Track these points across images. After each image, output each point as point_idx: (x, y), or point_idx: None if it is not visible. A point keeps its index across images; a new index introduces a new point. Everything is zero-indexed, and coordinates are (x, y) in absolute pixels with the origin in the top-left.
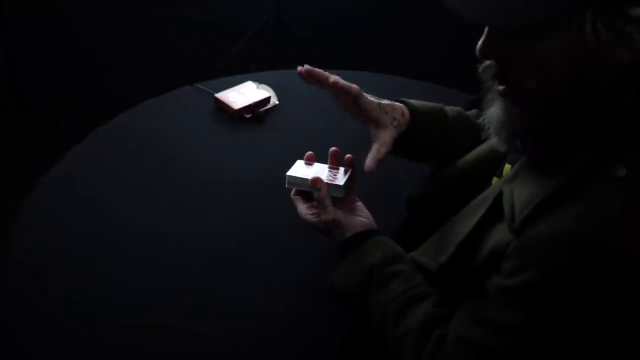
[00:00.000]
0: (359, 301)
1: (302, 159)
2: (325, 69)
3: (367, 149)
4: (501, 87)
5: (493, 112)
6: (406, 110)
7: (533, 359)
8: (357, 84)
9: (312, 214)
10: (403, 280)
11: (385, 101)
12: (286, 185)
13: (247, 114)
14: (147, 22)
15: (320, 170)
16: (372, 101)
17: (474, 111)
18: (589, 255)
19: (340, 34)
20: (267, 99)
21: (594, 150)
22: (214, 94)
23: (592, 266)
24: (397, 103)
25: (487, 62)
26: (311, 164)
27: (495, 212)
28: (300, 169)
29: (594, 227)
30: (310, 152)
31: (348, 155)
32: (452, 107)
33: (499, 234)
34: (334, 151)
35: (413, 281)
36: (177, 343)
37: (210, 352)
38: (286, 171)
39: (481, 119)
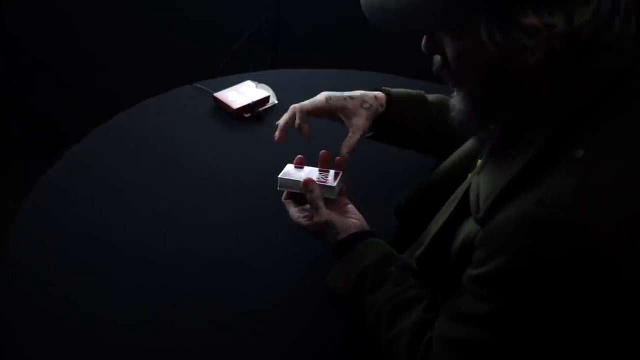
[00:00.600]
0: (353, 302)
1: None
2: (324, 68)
3: (362, 152)
4: (447, 78)
5: (453, 101)
6: (381, 95)
7: (513, 347)
8: (356, 88)
9: (304, 217)
10: (395, 282)
11: (356, 92)
12: (278, 188)
13: (246, 113)
14: (145, 22)
15: (311, 173)
16: (321, 100)
17: None
18: (552, 236)
19: (340, 34)
20: (266, 99)
21: (547, 134)
22: (213, 93)
23: (555, 247)
24: (373, 91)
25: (436, 57)
26: (301, 167)
27: (465, 206)
28: (291, 172)
29: (552, 206)
30: (299, 156)
31: (338, 157)
32: (436, 95)
33: (469, 227)
34: (324, 154)
35: (405, 283)
36: (176, 342)
37: (209, 351)
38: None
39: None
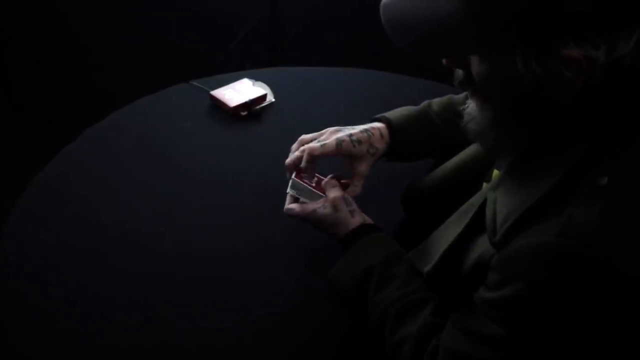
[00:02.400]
0: (356, 298)
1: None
2: (321, 66)
3: None
4: (468, 93)
5: (469, 110)
6: (384, 129)
7: None
8: (353, 86)
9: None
10: (402, 283)
11: (358, 128)
12: (289, 187)
13: (243, 111)
14: (141, 20)
15: (319, 181)
16: (331, 146)
17: (463, 95)
18: (570, 266)
19: (336, 31)
20: (264, 97)
21: (572, 161)
22: (209, 91)
23: (572, 278)
24: (374, 124)
25: (457, 71)
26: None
27: (480, 221)
28: (303, 177)
29: (574, 238)
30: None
31: (344, 181)
32: (440, 100)
33: (484, 245)
34: (335, 178)
35: (412, 285)
36: (174, 342)
37: (207, 351)
38: (282, 169)
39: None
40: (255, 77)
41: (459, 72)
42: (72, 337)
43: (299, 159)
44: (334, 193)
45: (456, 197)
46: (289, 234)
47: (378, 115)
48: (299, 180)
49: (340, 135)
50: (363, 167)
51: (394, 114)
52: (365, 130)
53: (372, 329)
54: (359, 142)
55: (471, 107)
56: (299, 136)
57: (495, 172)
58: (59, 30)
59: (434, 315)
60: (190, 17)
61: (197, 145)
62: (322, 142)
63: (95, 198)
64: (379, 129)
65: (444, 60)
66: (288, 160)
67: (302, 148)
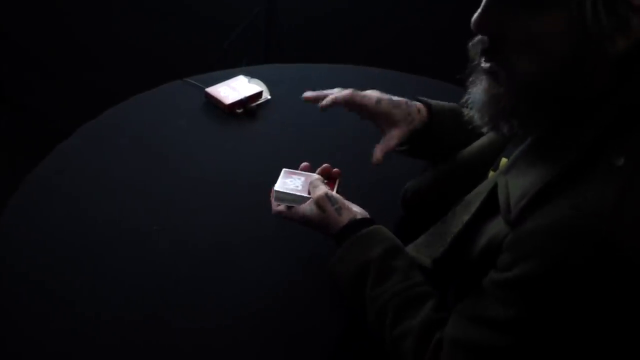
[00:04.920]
0: (354, 291)
1: (294, 155)
2: (318, 62)
3: (360, 146)
4: (487, 65)
5: (477, 91)
6: (423, 108)
7: (528, 355)
8: (350, 83)
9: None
10: (402, 277)
11: (402, 101)
12: (274, 201)
13: (239, 109)
14: (136, 16)
15: (307, 180)
16: (371, 99)
17: None
18: (586, 244)
19: (334, 27)
20: (259, 94)
21: (589, 139)
22: (204, 88)
23: (588, 256)
24: (414, 101)
25: (479, 37)
26: (298, 174)
27: (490, 206)
28: (287, 183)
29: (591, 216)
30: (306, 164)
31: (335, 169)
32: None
33: (495, 228)
34: (326, 167)
35: (412, 279)
36: (169, 342)
37: (203, 350)
38: (278, 167)
39: (465, 97)
40: (251, 74)
41: (484, 39)
42: (66, 337)
43: (344, 98)
44: (317, 193)
45: (456, 193)
46: (285, 232)
47: (419, 97)
48: (281, 191)
49: (381, 95)
50: (395, 132)
51: (434, 100)
52: (407, 101)
53: (370, 324)
54: (399, 105)
55: (477, 89)
56: (295, 133)
57: (504, 160)
58: (52, 27)
59: (436, 310)
60: (185, 13)
61: (192, 143)
62: (364, 94)
63: (89, 196)
64: (418, 107)
65: (476, 24)
66: (334, 92)
67: (349, 91)
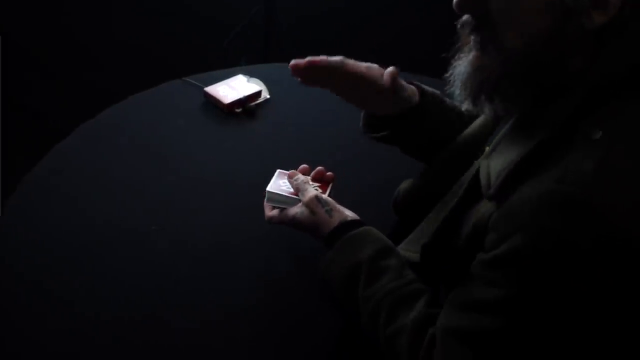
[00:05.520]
0: (346, 293)
1: (293, 154)
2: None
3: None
4: (478, 38)
5: (461, 64)
6: (415, 90)
7: (523, 335)
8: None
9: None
10: (394, 276)
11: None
12: (265, 202)
13: (238, 108)
14: (135, 15)
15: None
16: (362, 64)
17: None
18: (570, 212)
19: (333, 26)
20: (258, 93)
21: (566, 113)
22: (203, 87)
23: (573, 225)
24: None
25: (465, 17)
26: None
27: (475, 191)
28: (280, 184)
29: (572, 186)
30: (304, 166)
31: (329, 173)
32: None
33: (481, 211)
34: (320, 170)
35: (404, 277)
36: (168, 341)
37: (201, 350)
38: (277, 166)
39: (448, 74)
40: (250, 73)
41: (469, 19)
42: (65, 337)
43: (333, 64)
44: (307, 195)
45: (446, 191)
46: (284, 231)
47: (411, 80)
48: (273, 192)
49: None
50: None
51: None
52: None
53: (364, 325)
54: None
55: (461, 65)
56: (294, 133)
57: (487, 149)
58: (51, 26)
59: (429, 306)
60: (184, 12)
61: (191, 143)
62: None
63: (88, 196)
64: (410, 87)
65: (457, 2)
66: (322, 57)
67: (341, 58)
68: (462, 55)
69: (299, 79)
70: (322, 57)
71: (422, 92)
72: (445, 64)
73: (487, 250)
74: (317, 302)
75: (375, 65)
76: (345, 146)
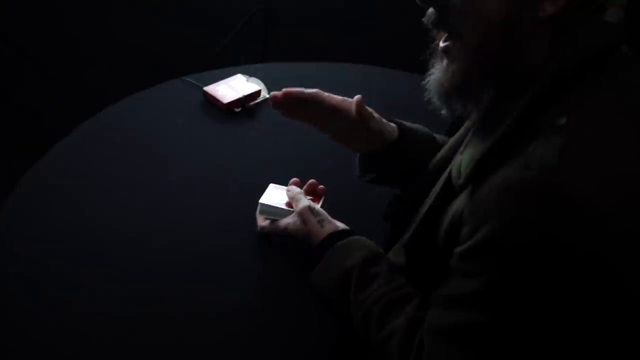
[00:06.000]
0: (339, 300)
1: (292, 154)
2: (316, 61)
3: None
4: (444, 45)
5: (434, 72)
6: (394, 126)
7: (505, 326)
8: (348, 80)
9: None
10: (384, 282)
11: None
12: (258, 213)
13: (237, 107)
14: (134, 13)
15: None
16: (338, 98)
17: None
18: (538, 197)
19: (332, 26)
20: (257, 93)
21: (526, 102)
22: (202, 87)
23: (541, 208)
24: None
25: (430, 11)
26: (283, 189)
27: (450, 188)
28: (272, 197)
29: (538, 170)
30: (295, 179)
31: (321, 186)
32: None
33: (456, 206)
34: (312, 183)
35: (394, 282)
36: (166, 341)
37: (199, 350)
38: (277, 166)
39: (425, 81)
40: (249, 73)
41: (430, 12)
42: (63, 337)
43: (308, 98)
44: (300, 205)
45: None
46: None
47: (393, 118)
48: (266, 204)
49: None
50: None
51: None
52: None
53: (357, 329)
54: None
55: (437, 70)
56: (293, 133)
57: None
58: (50, 25)
59: (419, 309)
60: (183, 12)
61: (190, 142)
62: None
63: (86, 195)
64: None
65: None
66: (297, 90)
67: (318, 91)
68: (435, 62)
69: (281, 113)
70: (298, 89)
71: (402, 128)
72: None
73: (461, 243)
74: (316, 302)
75: (348, 99)
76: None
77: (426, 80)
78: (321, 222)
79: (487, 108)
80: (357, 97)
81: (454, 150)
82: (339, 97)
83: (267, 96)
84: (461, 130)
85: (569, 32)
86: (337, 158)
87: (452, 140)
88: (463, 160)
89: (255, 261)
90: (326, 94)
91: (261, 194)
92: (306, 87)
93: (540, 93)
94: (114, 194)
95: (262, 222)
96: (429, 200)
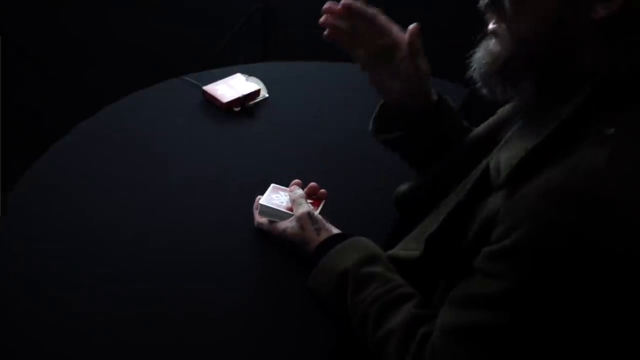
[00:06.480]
0: (337, 303)
1: (292, 153)
2: (315, 60)
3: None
4: (493, 26)
5: (479, 51)
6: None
7: (527, 330)
8: (349, 80)
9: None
10: (381, 283)
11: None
12: (258, 214)
13: (236, 107)
14: (133, 13)
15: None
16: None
17: None
18: (578, 204)
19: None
20: (257, 92)
21: (575, 107)
22: (202, 86)
23: (581, 215)
24: None
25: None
26: (284, 190)
27: (483, 186)
28: (273, 198)
29: (582, 178)
30: (297, 180)
31: (322, 190)
32: None
33: (490, 205)
34: (313, 186)
35: (391, 282)
36: (165, 341)
37: (200, 348)
38: (276, 165)
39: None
40: (248, 72)
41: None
42: (62, 337)
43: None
44: (300, 210)
45: (449, 190)
46: None
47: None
48: (266, 205)
49: None
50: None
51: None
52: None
53: (355, 331)
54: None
55: (483, 48)
56: (293, 132)
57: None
58: (49, 25)
59: (418, 307)
60: (182, 11)
61: (190, 142)
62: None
63: (85, 195)
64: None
65: None
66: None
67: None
68: (482, 43)
69: (326, 32)
70: (360, 3)
71: (439, 94)
72: (446, 64)
73: (493, 242)
74: (316, 302)
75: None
76: (344, 145)
77: (470, 57)
78: (318, 230)
79: (531, 106)
80: (415, 24)
81: (481, 144)
82: (394, 26)
83: (267, 95)
84: (486, 123)
85: (623, 38)
86: (337, 158)
87: (478, 132)
88: (502, 159)
89: (255, 261)
90: (384, 16)
91: (261, 194)
92: (306, 86)
93: (591, 99)
94: (114, 193)
95: (259, 218)
96: (459, 195)
